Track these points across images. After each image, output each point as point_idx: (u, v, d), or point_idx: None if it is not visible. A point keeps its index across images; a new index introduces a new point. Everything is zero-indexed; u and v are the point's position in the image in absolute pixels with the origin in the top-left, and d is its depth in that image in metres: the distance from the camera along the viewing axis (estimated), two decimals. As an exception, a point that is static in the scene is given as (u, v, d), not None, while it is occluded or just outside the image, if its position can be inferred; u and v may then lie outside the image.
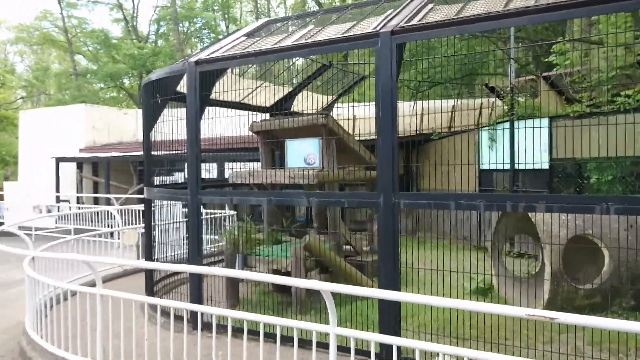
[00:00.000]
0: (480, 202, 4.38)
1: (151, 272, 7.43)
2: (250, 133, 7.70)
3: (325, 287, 3.39)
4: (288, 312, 6.49)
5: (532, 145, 10.40)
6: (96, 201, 19.31)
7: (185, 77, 6.24)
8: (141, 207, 13.72)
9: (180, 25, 40.56)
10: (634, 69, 9.96)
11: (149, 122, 7.21)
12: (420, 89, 15.00)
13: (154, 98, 6.83)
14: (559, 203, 4.09)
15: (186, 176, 9.47)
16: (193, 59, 6.05)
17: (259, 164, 10.40)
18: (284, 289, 7.31)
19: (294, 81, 10.20)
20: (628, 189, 9.39)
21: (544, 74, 11.43)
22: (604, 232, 5.92)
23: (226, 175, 15.29)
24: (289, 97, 10.22)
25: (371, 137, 13.05)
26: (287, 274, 7.34)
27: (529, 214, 6.24)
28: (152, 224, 7.50)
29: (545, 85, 11.54)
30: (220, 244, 11.08)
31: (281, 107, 10.28)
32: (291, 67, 9.89)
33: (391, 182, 4.74)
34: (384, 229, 4.77)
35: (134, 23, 43.05)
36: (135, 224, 13.54)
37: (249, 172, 7.22)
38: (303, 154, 5.21)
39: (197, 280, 5.93)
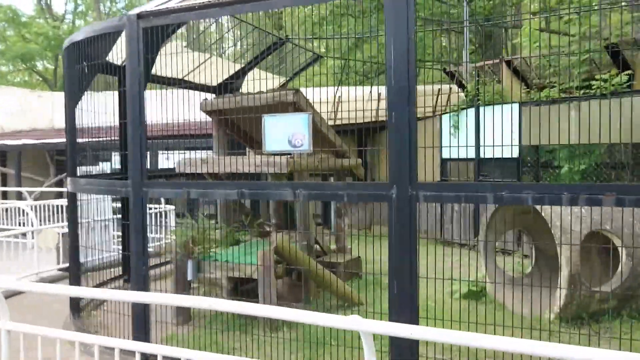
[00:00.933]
0: (528, 194, 3.41)
1: (77, 282, 5.94)
2: (192, 118, 6.32)
3: (365, 326, 2.27)
4: (254, 329, 5.29)
5: (500, 133, 9.80)
6: (5, 195, 16.83)
7: (122, 36, 4.82)
8: (60, 202, 11.82)
9: (101, 4, 37.32)
10: (602, 54, 9.57)
11: (73, 96, 5.68)
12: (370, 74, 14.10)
13: (80, 64, 5.33)
14: (634, 195, 3.20)
15: (119, 165, 7.96)
16: (134, 12, 4.65)
17: (203, 152, 8.99)
18: (240, 296, 6.08)
19: (246, 56, 8.88)
20: (600, 179, 9.00)
21: (506, 59, 10.85)
22: (617, 226, 5.20)
23: (162, 166, 13.66)
24: (240, 75, 8.89)
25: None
26: (251, 281, 6.11)
27: (537, 207, 5.42)
28: (78, 221, 6.00)
29: (507, 70, 10.99)
30: (161, 243, 9.59)
31: (229, 87, 8.94)
32: (243, 39, 8.56)
33: (407, 169, 3.67)
34: (398, 232, 3.70)
35: (48, 1, 39.15)
36: (54, 222, 11.62)
37: (203, 160, 5.90)
38: (286, 133, 4.01)
39: (141, 311, 4.58)
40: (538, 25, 10.83)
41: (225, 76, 8.79)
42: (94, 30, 5.18)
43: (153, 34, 4.62)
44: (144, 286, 4.56)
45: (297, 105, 6.05)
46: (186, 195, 4.44)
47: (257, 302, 5.65)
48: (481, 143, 10.06)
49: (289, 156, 5.55)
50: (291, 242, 6.10)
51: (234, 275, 5.74)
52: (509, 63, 11.01)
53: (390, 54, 3.70)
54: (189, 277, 5.73)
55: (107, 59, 6.57)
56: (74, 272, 6.03)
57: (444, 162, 11.22)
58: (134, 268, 4.66)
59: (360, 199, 3.89)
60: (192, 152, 8.93)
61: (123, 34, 4.79)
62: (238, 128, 7.23)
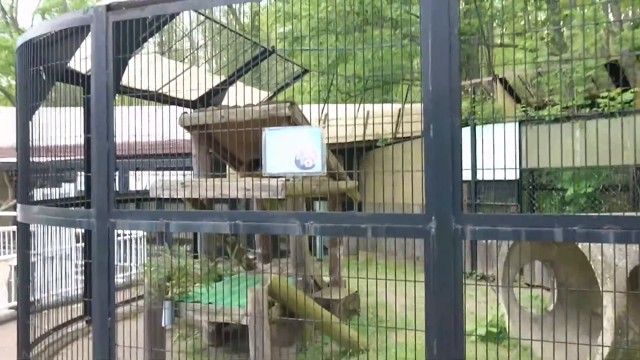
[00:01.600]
0: (609, 231, 2.67)
1: (26, 327, 4.95)
2: (168, 135, 5.45)
3: None
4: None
5: (497, 153, 9.21)
6: (-44, 219, 15.40)
7: (90, 35, 3.95)
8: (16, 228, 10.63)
9: (70, 19, 35.98)
10: (601, 71, 9.14)
11: (26, 106, 4.76)
12: (359, 91, 13.47)
13: (35, 67, 4.44)
14: None
15: (82, 187, 6.97)
16: (103, 2, 3.80)
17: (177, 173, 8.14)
18: (224, 340, 5.17)
19: (228, 68, 8.06)
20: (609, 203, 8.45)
21: (500, 77, 10.34)
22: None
23: (132, 188, 12.57)
24: (220, 89, 8.06)
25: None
26: (241, 328, 5.23)
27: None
28: (30, 254, 5.03)
29: (501, 88, 10.49)
30: (130, 273, 8.56)
31: (209, 102, 8.10)
32: (224, 49, 7.74)
33: (451, 196, 2.90)
34: (438, 277, 2.91)
35: (14, 14, 37.62)
36: (9, 251, 10.42)
37: (182, 183, 5.02)
38: (293, 151, 3.20)
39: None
40: (535, 42, 10.40)
41: (205, 89, 7.95)
42: (54, 25, 4.30)
43: (125, 30, 3.77)
44: (109, 342, 3.62)
45: (292, 120, 5.27)
46: (164, 228, 3.55)
47: (247, 352, 4.75)
48: (478, 164, 9.44)
49: (285, 179, 4.73)
50: (282, 276, 5.25)
51: (219, 321, 4.83)
52: (502, 81, 10.52)
53: (426, 50, 2.96)
54: (165, 323, 4.80)
55: (69, 65, 5.68)
56: (23, 315, 5.02)
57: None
58: (97, 319, 3.72)
59: (388, 234, 3.09)
60: (166, 172, 7.98)
61: (90, 33, 3.92)
62: (220, 146, 6.39)
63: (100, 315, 3.71)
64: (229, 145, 6.51)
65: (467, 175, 9.80)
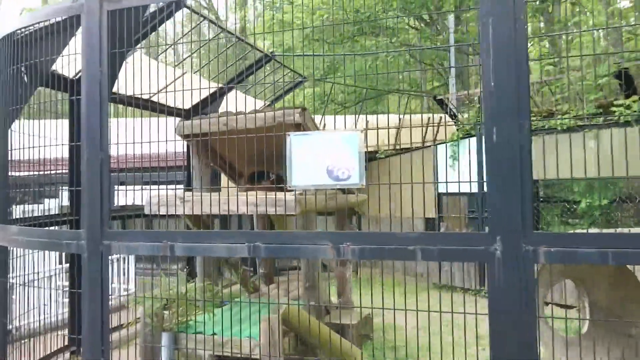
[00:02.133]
0: None
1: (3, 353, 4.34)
2: (160, 147, 4.89)
3: None
4: None
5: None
6: None
7: (81, 27, 3.42)
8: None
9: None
10: (609, 79, 8.84)
11: (4, 109, 4.19)
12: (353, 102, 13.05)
13: (16, 66, 3.88)
14: None
15: (67, 202, 6.36)
16: (96, -10, 3.28)
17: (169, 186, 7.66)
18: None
19: (225, 74, 7.54)
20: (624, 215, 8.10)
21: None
22: None
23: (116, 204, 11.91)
24: (217, 97, 7.55)
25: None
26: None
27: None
28: (8, 278, 4.42)
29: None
30: (115, 296, 7.91)
31: (204, 111, 7.58)
32: (226, 51, 7.24)
33: (519, 212, 2.42)
34: (505, 308, 2.42)
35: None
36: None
37: (181, 198, 4.48)
38: (324, 160, 2.70)
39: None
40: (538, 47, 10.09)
41: (200, 97, 7.43)
42: (37, 17, 3.76)
43: (123, 21, 3.26)
44: (102, 388, 3.05)
45: (303, 128, 4.78)
46: (168, 252, 3.01)
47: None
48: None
49: (297, 193, 4.23)
50: (290, 299, 4.72)
51: (225, 354, 4.27)
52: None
53: (486, 40, 2.50)
54: (164, 359, 4.21)
55: (54, 68, 5.14)
56: None
57: (439, 197, 10.12)
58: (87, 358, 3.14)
59: (442, 257, 2.59)
60: (154, 186, 7.40)
61: (82, 26, 3.39)
62: (219, 156, 5.86)
63: (91, 354, 3.13)
64: (230, 156, 5.99)
65: (465, 187, 9.38)
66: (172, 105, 7.21)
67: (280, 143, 4.48)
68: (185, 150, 7.91)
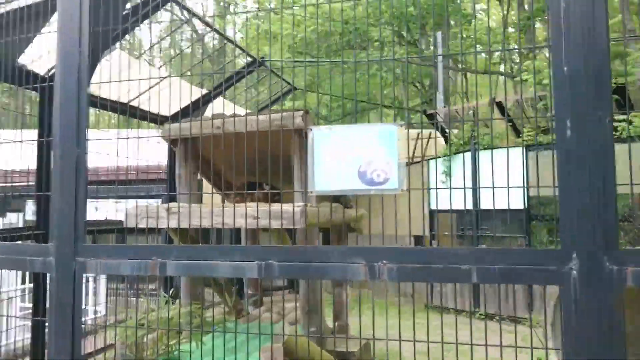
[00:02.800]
0: None
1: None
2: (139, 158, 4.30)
3: None
4: None
5: (501, 180, 8.50)
6: None
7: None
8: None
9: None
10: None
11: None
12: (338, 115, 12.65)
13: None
14: None
15: (33, 213, 5.68)
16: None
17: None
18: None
19: (212, 79, 7.03)
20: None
21: (497, 100, 9.73)
22: None
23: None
24: (202, 103, 7.01)
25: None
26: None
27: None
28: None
29: (497, 112, 9.89)
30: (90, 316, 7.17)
31: (185, 115, 7.03)
32: (214, 54, 6.74)
33: (601, 224, 1.98)
34: (584, 346, 1.95)
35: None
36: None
37: (168, 209, 3.92)
38: (356, 159, 2.22)
39: None
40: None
41: (181, 104, 6.88)
42: (2, -7, 3.20)
43: (107, 2, 2.74)
44: None
45: (306, 133, 4.30)
46: (158, 270, 2.46)
47: None
48: (479, 191, 8.68)
49: (304, 204, 3.73)
50: (285, 323, 4.18)
51: (217, 390, 3.68)
52: (499, 104, 9.93)
53: (556, 15, 2.08)
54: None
55: (22, 62, 4.55)
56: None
57: (432, 213, 9.72)
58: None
59: (505, 278, 2.12)
60: (126, 200, 6.78)
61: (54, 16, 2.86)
62: (202, 162, 5.32)
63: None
64: (218, 164, 5.45)
65: (468, 202, 9.00)
66: (150, 110, 6.65)
67: (278, 151, 3.98)
68: (167, 160, 7.32)
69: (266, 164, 3.82)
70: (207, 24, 5.76)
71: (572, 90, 2.04)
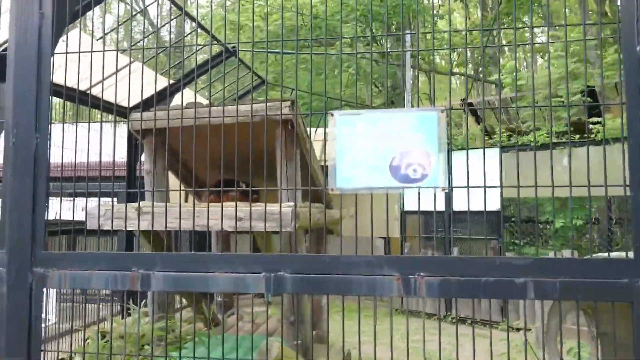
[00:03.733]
0: None
1: None
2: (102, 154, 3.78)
3: None
4: None
5: (477, 182, 8.36)
6: None
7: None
8: None
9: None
10: (579, 98, 8.66)
11: None
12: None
13: None
14: None
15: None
16: None
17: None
18: None
19: (182, 67, 6.49)
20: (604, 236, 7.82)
21: (469, 101, 9.62)
22: None
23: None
24: (166, 94, 6.46)
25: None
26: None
27: None
28: None
29: (469, 113, 9.78)
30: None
31: (150, 106, 6.47)
32: (180, 41, 6.21)
33: (680, 230, 1.69)
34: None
35: None
36: None
37: (139, 209, 3.43)
38: (387, 151, 1.85)
39: None
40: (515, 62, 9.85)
41: (148, 92, 6.32)
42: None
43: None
44: None
45: (292, 126, 3.91)
46: (139, 285, 2.01)
47: None
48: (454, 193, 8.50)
49: (294, 205, 3.33)
50: (263, 334, 3.75)
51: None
52: (470, 105, 9.82)
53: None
54: None
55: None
56: None
57: (403, 215, 9.49)
58: None
59: (565, 293, 1.80)
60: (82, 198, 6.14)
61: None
62: (179, 160, 4.83)
63: None
64: (190, 159, 4.96)
65: (440, 205, 8.83)
66: (110, 100, 6.05)
67: (259, 145, 3.56)
68: (127, 154, 6.73)
69: (245, 159, 3.38)
70: (176, 5, 5.25)
71: (647, 73, 1.75)
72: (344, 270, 1.88)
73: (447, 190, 1.88)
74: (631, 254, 1.73)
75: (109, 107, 6.02)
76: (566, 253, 7.44)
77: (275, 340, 4.13)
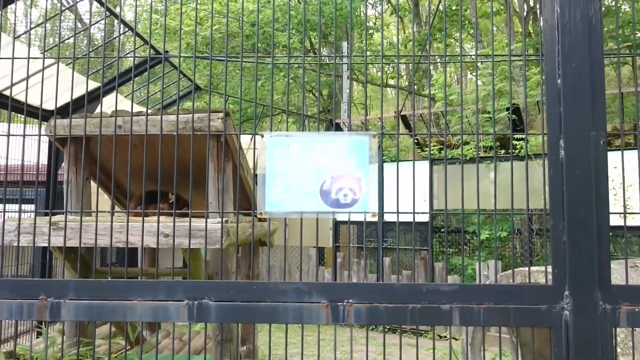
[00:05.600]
0: None
1: None
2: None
3: None
4: None
5: (406, 193, 8.56)
6: None
7: None
8: None
9: None
10: (507, 114, 9.09)
11: None
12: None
13: None
14: None
15: None
16: None
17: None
18: None
19: (106, 72, 6.18)
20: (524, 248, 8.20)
21: (402, 113, 9.86)
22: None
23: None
24: (93, 98, 6.15)
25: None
26: None
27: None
28: None
29: (402, 125, 10.01)
30: None
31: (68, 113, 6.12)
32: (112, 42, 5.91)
33: (595, 255, 1.77)
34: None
35: None
36: None
37: (53, 223, 3.20)
38: (318, 175, 1.81)
39: None
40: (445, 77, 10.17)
41: (68, 97, 5.96)
42: None
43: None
44: None
45: (224, 139, 3.80)
46: (48, 315, 1.85)
47: None
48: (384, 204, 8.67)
49: (224, 219, 3.23)
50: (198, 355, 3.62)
51: None
52: (403, 118, 10.07)
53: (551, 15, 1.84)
54: None
55: None
56: None
57: (336, 225, 9.55)
58: None
59: (488, 320, 1.82)
60: None
61: None
62: (102, 169, 4.57)
63: None
64: (113, 170, 4.71)
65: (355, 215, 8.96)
66: (29, 103, 5.66)
67: (187, 156, 3.44)
68: (47, 163, 6.32)
69: (172, 170, 3.26)
70: (103, 4, 4.99)
71: (566, 104, 1.82)
72: (272, 297, 1.81)
73: (376, 216, 1.86)
74: (550, 280, 1.79)
75: (33, 112, 5.63)
76: (491, 263, 7.77)
77: (200, 359, 3.99)
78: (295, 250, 10.36)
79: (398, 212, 1.92)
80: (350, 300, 1.81)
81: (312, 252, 9.60)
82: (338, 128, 10.96)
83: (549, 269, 1.82)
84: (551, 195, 1.82)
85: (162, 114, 2.82)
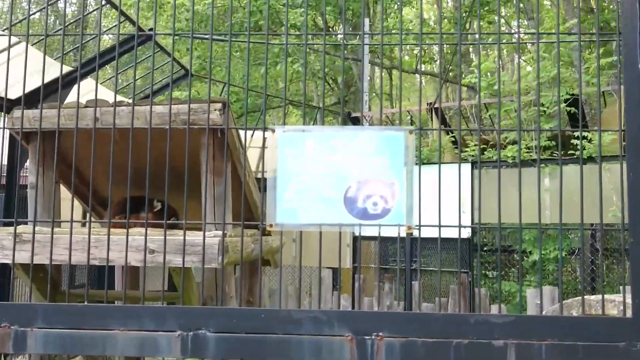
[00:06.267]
0: None
1: None
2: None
3: None
4: None
5: (444, 203, 8.48)
6: None
7: None
8: None
9: None
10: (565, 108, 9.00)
11: None
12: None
13: None
14: None
15: None
16: None
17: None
18: None
19: (82, 53, 6.23)
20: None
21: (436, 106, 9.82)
22: None
23: None
24: (65, 84, 6.19)
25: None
26: None
27: None
28: None
29: (436, 120, 9.98)
30: None
31: (38, 100, 6.18)
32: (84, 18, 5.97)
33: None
34: None
35: None
36: None
37: (17, 235, 3.21)
38: (342, 179, 1.79)
39: None
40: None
41: (36, 82, 6.02)
42: None
43: None
44: None
45: (223, 133, 3.81)
46: (11, 347, 1.85)
47: None
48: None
49: (222, 233, 3.24)
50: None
51: None
52: (437, 112, 10.03)
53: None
54: None
55: None
56: None
57: (355, 241, 9.51)
58: None
59: (552, 357, 1.79)
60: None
61: None
62: (75, 170, 4.59)
63: None
64: (87, 171, 4.74)
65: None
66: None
67: (179, 154, 3.45)
68: (6, 161, 6.38)
69: (161, 173, 3.29)
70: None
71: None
72: (284, 327, 1.80)
73: (412, 231, 1.83)
74: (629, 312, 1.75)
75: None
76: (546, 289, 7.67)
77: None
78: (303, 271, 10.35)
79: (440, 226, 1.90)
80: (380, 334, 1.78)
81: (325, 274, 9.57)
82: (356, 123, 10.95)
83: (628, 298, 1.79)
84: (631, 205, 1.78)
85: (151, 104, 2.83)
